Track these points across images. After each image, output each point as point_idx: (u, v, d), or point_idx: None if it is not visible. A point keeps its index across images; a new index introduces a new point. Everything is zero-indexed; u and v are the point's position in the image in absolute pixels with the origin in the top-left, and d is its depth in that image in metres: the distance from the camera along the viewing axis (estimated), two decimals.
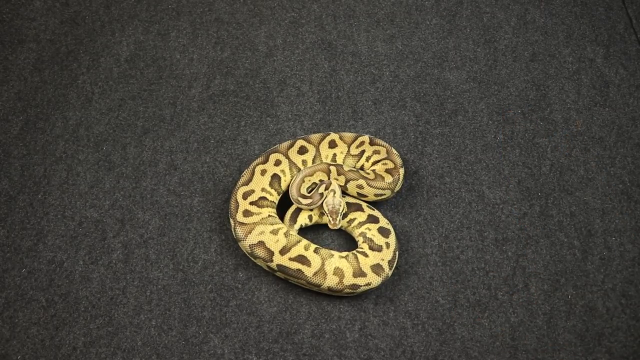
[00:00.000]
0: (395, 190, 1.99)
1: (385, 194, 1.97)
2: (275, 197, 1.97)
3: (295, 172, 2.00)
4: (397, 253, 1.87)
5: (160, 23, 2.49)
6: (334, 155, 2.05)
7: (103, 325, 1.82)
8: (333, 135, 2.06)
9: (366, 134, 2.15)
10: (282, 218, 1.96)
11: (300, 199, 1.93)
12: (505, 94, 2.29)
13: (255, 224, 1.87)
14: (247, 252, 1.87)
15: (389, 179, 1.95)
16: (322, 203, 1.92)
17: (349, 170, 1.97)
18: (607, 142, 2.17)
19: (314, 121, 2.23)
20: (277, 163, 1.99)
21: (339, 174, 1.97)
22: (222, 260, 1.93)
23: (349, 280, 1.79)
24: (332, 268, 1.80)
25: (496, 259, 1.93)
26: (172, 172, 2.11)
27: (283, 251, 1.81)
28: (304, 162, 2.02)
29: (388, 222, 1.93)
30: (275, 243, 1.83)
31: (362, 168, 2.05)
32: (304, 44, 2.43)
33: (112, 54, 2.41)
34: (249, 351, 1.78)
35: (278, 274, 1.85)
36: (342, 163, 2.04)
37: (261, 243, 1.83)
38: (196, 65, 2.38)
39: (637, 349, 1.79)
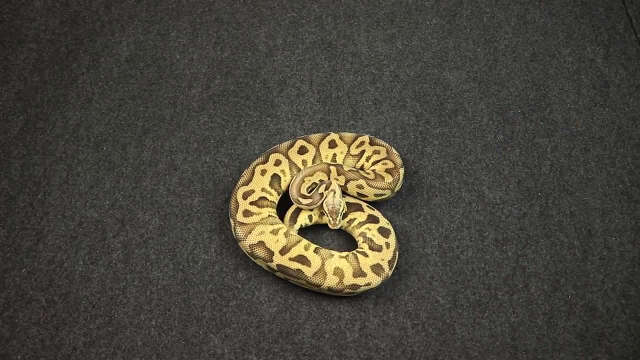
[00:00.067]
0: (395, 190, 1.99)
1: (385, 194, 1.97)
2: (275, 197, 1.97)
3: (295, 172, 2.00)
4: (397, 253, 1.87)
5: (160, 23, 2.49)
6: (334, 155, 2.05)
7: (103, 325, 1.82)
8: (333, 135, 2.06)
9: (366, 134, 2.15)
10: (282, 218, 1.96)
11: (300, 199, 1.93)
12: (505, 94, 2.30)
13: (255, 224, 1.87)
14: (247, 252, 1.87)
15: (389, 179, 1.95)
16: (322, 203, 1.92)
17: (349, 170, 1.97)
18: (607, 142, 2.17)
19: (314, 121, 2.23)
20: (277, 163, 1.99)
21: (339, 174, 1.97)
22: (222, 260, 1.93)
23: (349, 280, 1.79)
24: (332, 268, 1.80)
25: (496, 259, 1.93)
26: (172, 172, 2.11)
27: (283, 251, 1.81)
28: (304, 162, 2.02)
29: (388, 222, 1.93)
30: (275, 243, 1.83)
31: (362, 168, 2.05)
32: (304, 44, 2.43)
33: (112, 54, 2.41)
34: (249, 351, 1.78)
35: (278, 274, 1.85)
36: (342, 163, 2.04)
37: (261, 243, 1.83)
38: (196, 65, 2.38)
39: (637, 349, 1.79)
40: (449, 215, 2.02)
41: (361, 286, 1.79)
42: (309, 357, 1.77)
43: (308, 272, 1.79)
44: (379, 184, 1.94)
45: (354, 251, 1.86)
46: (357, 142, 2.05)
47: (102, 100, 2.29)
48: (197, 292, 1.87)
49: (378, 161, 2.01)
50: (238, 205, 1.90)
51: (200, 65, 2.38)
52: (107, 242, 1.97)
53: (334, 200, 1.90)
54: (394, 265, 1.86)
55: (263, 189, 1.94)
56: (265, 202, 1.92)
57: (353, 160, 2.05)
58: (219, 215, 2.02)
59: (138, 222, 2.00)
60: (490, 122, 2.23)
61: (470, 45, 2.42)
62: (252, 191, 1.93)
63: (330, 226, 1.89)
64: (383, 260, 1.83)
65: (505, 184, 2.08)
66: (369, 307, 1.84)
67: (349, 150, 2.05)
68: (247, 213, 1.89)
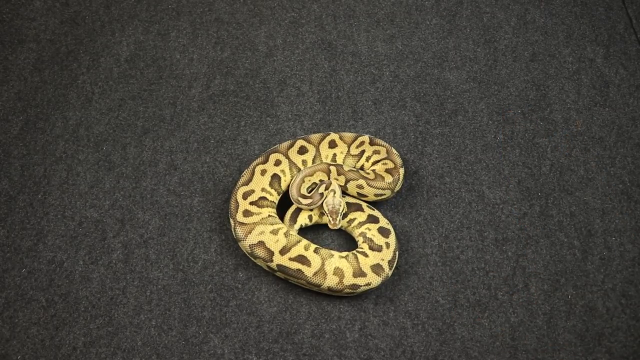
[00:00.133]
0: (395, 190, 1.99)
1: (385, 194, 1.97)
2: (275, 197, 1.97)
3: (295, 172, 2.00)
4: (397, 253, 1.87)
5: (160, 23, 2.49)
6: (334, 155, 2.05)
7: (103, 325, 1.82)
8: (333, 135, 2.06)
9: (366, 134, 2.15)
10: (282, 218, 1.96)
11: (300, 199, 1.93)
12: (505, 94, 2.30)
13: (255, 224, 1.87)
14: (247, 252, 1.87)
15: (389, 179, 1.95)
16: (322, 203, 1.92)
17: (349, 170, 1.97)
18: (607, 142, 2.17)
19: (314, 121, 2.23)
20: (277, 163, 1.99)
21: (339, 174, 1.97)
22: (222, 260, 1.93)
23: (349, 280, 1.79)
24: (332, 268, 1.80)
25: (496, 259, 1.93)
26: (172, 172, 2.11)
27: (283, 251, 1.81)
28: (304, 162, 2.02)
29: (388, 222, 1.93)
30: (275, 243, 1.83)
31: (362, 168, 2.05)
32: (304, 44, 2.43)
33: (112, 54, 2.41)
34: (249, 351, 1.78)
35: (278, 274, 1.85)
36: (342, 163, 2.04)
37: (261, 243, 1.83)
38: (196, 65, 2.38)
39: (637, 349, 1.79)
40: (449, 215, 2.02)
41: (361, 286, 1.79)
42: (309, 357, 1.77)
43: (308, 272, 1.79)
44: (379, 184, 1.94)
45: (354, 251, 1.86)
46: (357, 142, 2.05)
47: (102, 100, 2.29)
48: (197, 292, 1.87)
49: (378, 161, 2.01)
50: (238, 205, 1.90)
51: (200, 65, 2.38)
52: (107, 242, 1.97)
53: (334, 200, 1.90)
54: (394, 265, 1.86)
55: (263, 189, 1.94)
56: (265, 202, 1.92)
57: (353, 160, 2.05)
58: (219, 215, 2.02)
59: (138, 222, 2.00)
60: (490, 122, 2.23)
61: (470, 45, 2.42)
62: (252, 191, 1.93)
63: (330, 226, 1.89)
64: (383, 260, 1.83)
65: (505, 184, 2.08)
66: (369, 307, 1.84)
67: (349, 150, 2.05)
68: (247, 213, 1.89)
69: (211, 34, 2.47)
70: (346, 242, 1.98)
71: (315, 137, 2.06)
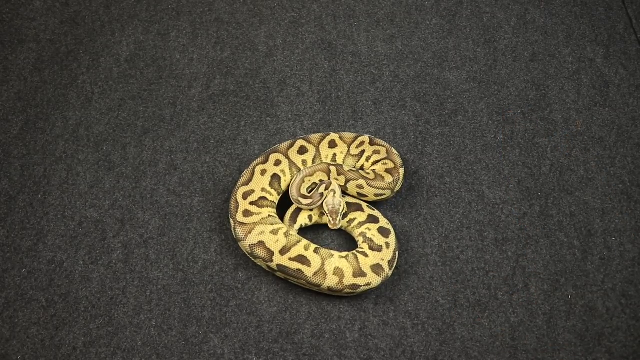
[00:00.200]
0: (395, 190, 1.99)
1: (385, 194, 1.97)
2: (275, 197, 1.97)
3: (295, 172, 2.00)
4: (397, 253, 1.87)
5: (160, 23, 2.49)
6: (334, 155, 2.05)
7: (103, 325, 1.82)
8: (333, 135, 2.06)
9: (366, 134, 2.15)
10: (282, 218, 1.96)
11: (300, 199, 1.93)
12: (505, 94, 2.30)
13: (255, 224, 1.87)
14: (247, 252, 1.87)
15: (389, 179, 1.95)
16: (322, 203, 1.92)
17: (349, 170, 1.97)
18: (607, 142, 2.17)
19: (314, 121, 2.23)
20: (277, 163, 1.99)
21: (339, 174, 1.97)
22: (222, 260, 1.93)
23: (349, 280, 1.79)
24: (332, 268, 1.80)
25: (496, 259, 1.93)
26: (172, 172, 2.11)
27: (283, 251, 1.81)
28: (304, 162, 2.02)
29: (388, 222, 1.93)
30: (275, 243, 1.83)
31: (362, 168, 2.05)
32: (304, 44, 2.43)
33: (112, 54, 2.41)
34: (249, 351, 1.78)
35: (278, 274, 1.85)
36: (342, 163, 2.04)
37: (261, 243, 1.83)
38: (196, 65, 2.38)
39: (637, 349, 1.79)
40: (449, 215, 2.02)
41: (361, 286, 1.79)
42: (309, 357, 1.77)
43: (308, 272, 1.79)
44: (379, 184, 1.94)
45: (354, 251, 1.86)
46: (357, 142, 2.05)
47: (102, 100, 2.29)
48: (197, 292, 1.87)
49: (378, 161, 2.01)
50: (238, 205, 1.90)
51: (200, 65, 2.38)
52: (107, 242, 1.97)
53: (334, 200, 1.90)
54: (394, 265, 1.86)
55: (263, 189, 1.94)
56: (265, 202, 1.92)
57: (353, 160, 2.05)
58: (219, 215, 2.02)
59: (138, 222, 2.00)
60: (490, 122, 2.23)
61: (470, 45, 2.42)
62: (252, 191, 1.93)
63: (330, 226, 1.89)
64: (383, 260, 1.83)
65: (505, 184, 2.08)
66: (369, 307, 1.84)
67: (349, 150, 2.05)
68: (247, 213, 1.89)
69: (211, 34, 2.47)
70: (346, 242, 1.98)
71: (315, 137, 2.06)
